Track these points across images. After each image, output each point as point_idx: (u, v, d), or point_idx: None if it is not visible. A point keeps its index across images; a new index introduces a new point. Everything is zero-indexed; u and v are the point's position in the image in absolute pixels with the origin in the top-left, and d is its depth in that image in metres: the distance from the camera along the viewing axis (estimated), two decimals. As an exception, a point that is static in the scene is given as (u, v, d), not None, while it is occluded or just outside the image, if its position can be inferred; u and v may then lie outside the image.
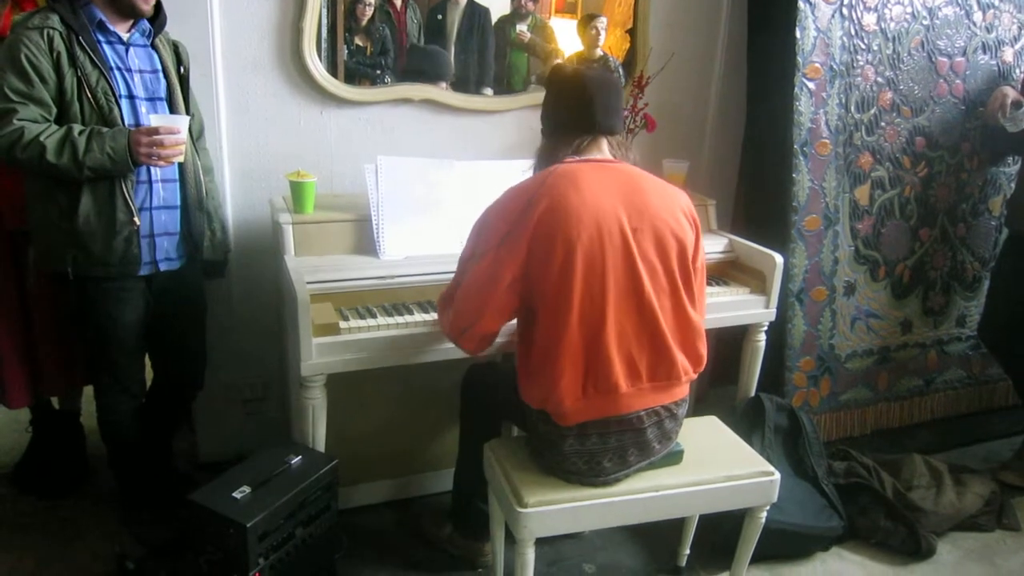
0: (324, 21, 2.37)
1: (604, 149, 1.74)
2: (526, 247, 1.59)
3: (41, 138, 1.75)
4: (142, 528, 2.21)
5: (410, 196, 2.21)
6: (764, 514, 1.92)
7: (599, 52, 2.74)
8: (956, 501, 2.48)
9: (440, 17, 2.58)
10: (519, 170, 2.31)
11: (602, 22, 2.65)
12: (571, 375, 1.62)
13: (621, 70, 2.75)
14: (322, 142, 2.46)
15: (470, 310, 1.66)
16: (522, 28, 2.66)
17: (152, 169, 1.92)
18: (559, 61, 2.64)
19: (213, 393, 2.43)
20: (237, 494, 1.73)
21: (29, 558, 2.15)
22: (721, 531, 2.20)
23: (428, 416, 2.41)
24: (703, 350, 1.75)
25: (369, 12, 2.46)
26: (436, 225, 2.23)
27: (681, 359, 1.70)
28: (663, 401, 1.70)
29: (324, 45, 2.38)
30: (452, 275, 2.08)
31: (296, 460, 1.87)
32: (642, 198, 1.66)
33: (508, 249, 1.60)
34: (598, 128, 1.72)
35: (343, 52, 2.45)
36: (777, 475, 1.86)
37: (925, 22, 2.68)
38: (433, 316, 2.00)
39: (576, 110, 1.72)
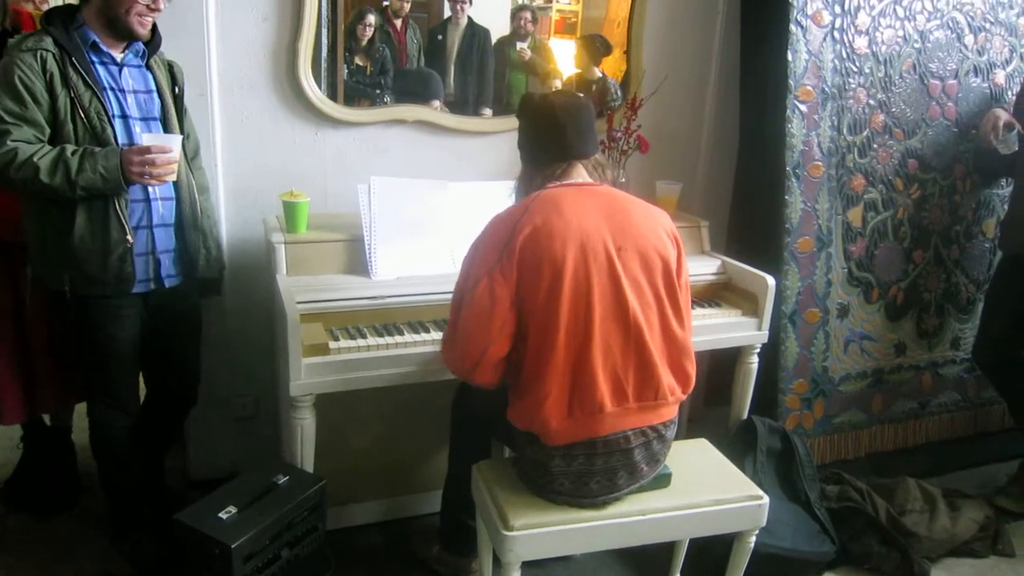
0: (324, 41, 2.38)
1: (582, 172, 1.77)
2: (516, 270, 1.60)
3: (34, 159, 1.76)
4: (132, 547, 2.20)
5: (403, 217, 2.22)
6: (753, 538, 1.91)
7: (597, 73, 2.76)
8: (950, 526, 2.47)
9: (440, 37, 2.61)
10: (511, 191, 2.32)
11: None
12: (556, 395, 1.62)
13: (620, 91, 2.78)
14: (317, 162, 2.48)
15: (477, 340, 1.64)
16: (522, 46, 2.68)
17: (150, 188, 1.93)
18: (528, 91, 2.65)
19: (205, 410, 2.43)
20: (223, 514, 1.73)
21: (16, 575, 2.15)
22: (712, 555, 2.18)
23: (418, 436, 2.40)
24: (691, 369, 1.76)
25: (369, 32, 2.48)
26: (428, 246, 2.24)
27: (668, 378, 1.70)
28: (650, 421, 1.70)
29: (324, 65, 2.39)
30: (444, 295, 2.11)
31: (284, 480, 1.87)
32: (625, 218, 1.68)
33: (501, 272, 1.61)
34: (571, 154, 1.75)
35: (343, 72, 2.47)
36: (766, 499, 1.85)
37: (916, 45, 2.70)
38: (422, 336, 2.01)
39: (547, 139, 1.75)
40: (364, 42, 2.49)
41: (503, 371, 1.70)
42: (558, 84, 2.74)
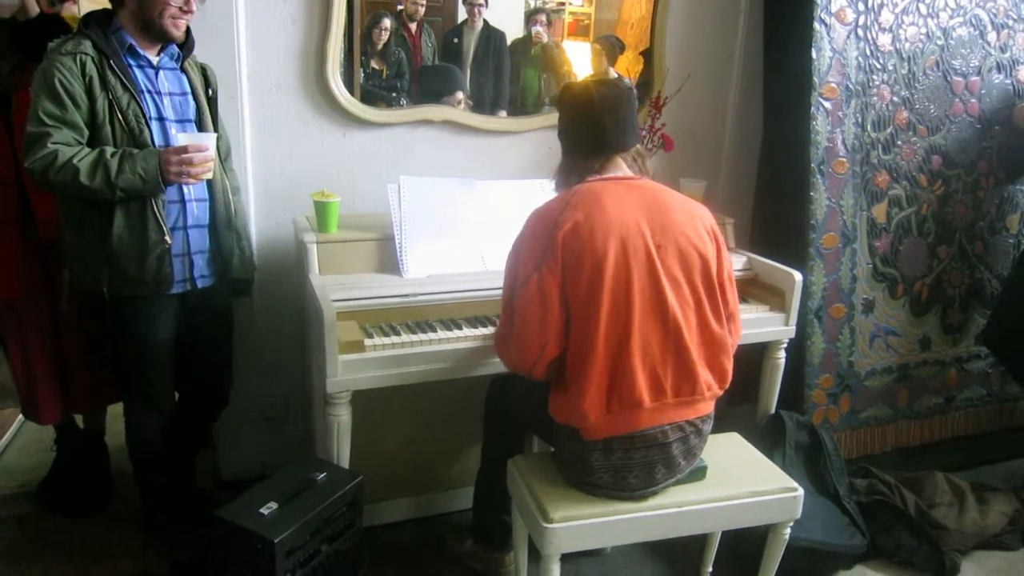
0: (341, 45, 2.41)
1: (621, 165, 1.77)
2: (560, 264, 1.61)
3: (74, 161, 1.78)
4: (166, 546, 2.22)
5: (432, 215, 2.24)
6: (788, 530, 1.92)
7: (613, 74, 2.78)
8: (979, 519, 2.47)
9: (456, 40, 2.63)
10: (539, 189, 2.34)
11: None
12: (596, 391, 1.64)
13: (635, 91, 2.79)
14: (345, 163, 2.50)
15: (536, 338, 1.65)
16: (538, 29, 2.68)
17: (185, 188, 1.96)
18: (569, 80, 2.66)
19: (235, 411, 2.45)
20: (264, 510, 1.74)
21: (54, 576, 2.17)
22: (744, 549, 2.20)
23: (451, 433, 2.42)
24: (728, 365, 1.76)
25: (385, 36, 2.51)
26: (458, 244, 2.26)
27: (705, 374, 1.71)
28: (687, 416, 1.71)
29: (341, 69, 2.41)
30: (475, 292, 2.13)
31: (321, 477, 1.88)
32: (665, 215, 1.68)
33: (548, 267, 1.62)
34: (611, 148, 1.75)
35: (359, 75, 2.50)
36: (800, 491, 1.86)
37: (940, 42, 2.70)
38: (455, 333, 2.02)
39: (587, 132, 1.74)
40: (380, 46, 2.52)
41: (556, 366, 1.70)
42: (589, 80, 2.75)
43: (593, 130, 1.73)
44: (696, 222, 1.72)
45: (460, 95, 2.61)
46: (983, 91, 2.80)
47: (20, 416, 2.97)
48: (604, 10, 2.81)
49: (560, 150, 1.85)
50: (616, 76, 2.79)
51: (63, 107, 1.81)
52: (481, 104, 2.67)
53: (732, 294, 1.78)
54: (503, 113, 2.70)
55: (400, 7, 2.53)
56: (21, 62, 2.04)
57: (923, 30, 2.67)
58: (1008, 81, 2.84)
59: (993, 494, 2.60)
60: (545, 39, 2.70)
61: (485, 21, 2.61)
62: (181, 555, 2.19)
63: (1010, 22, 2.80)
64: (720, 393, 1.77)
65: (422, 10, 2.55)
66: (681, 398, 1.69)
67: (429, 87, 2.60)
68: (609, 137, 1.73)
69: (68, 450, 2.48)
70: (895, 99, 2.66)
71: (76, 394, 2.31)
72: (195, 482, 2.42)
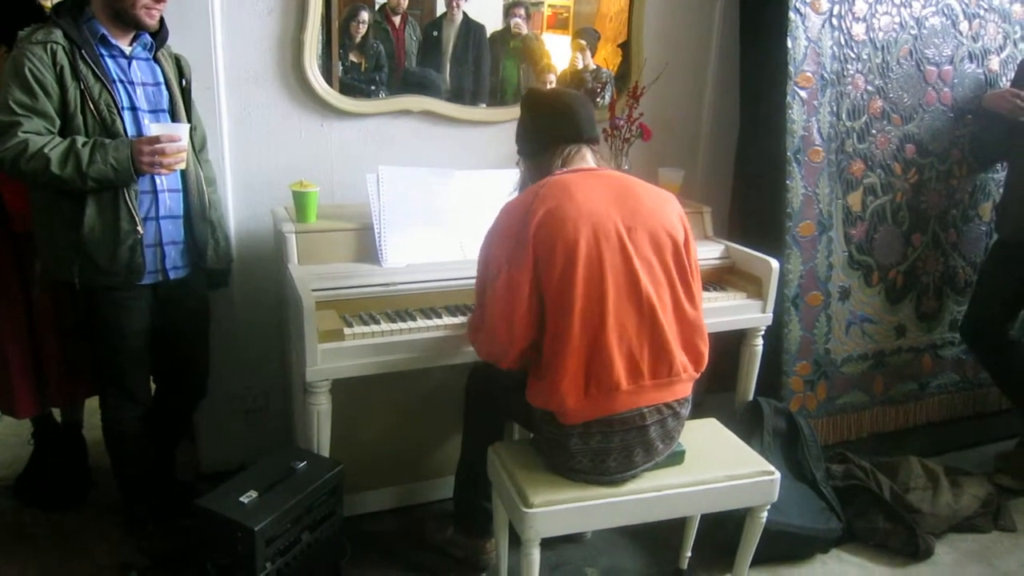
0: (319, 37, 2.40)
1: (588, 158, 1.80)
2: (531, 256, 1.63)
3: (45, 150, 1.77)
4: (146, 538, 2.21)
5: (411, 205, 2.24)
6: (765, 514, 1.94)
7: (592, 65, 2.79)
8: (953, 503, 2.51)
9: (436, 33, 2.63)
10: (515, 188, 2.34)
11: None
12: (573, 375, 1.65)
13: (613, 82, 2.81)
14: (323, 153, 2.49)
15: (503, 330, 1.68)
16: (517, 20, 2.69)
17: (157, 179, 1.95)
18: (532, 86, 2.69)
19: (214, 403, 2.44)
20: (244, 499, 1.74)
21: (32, 570, 2.15)
22: (722, 533, 2.22)
23: (431, 423, 2.42)
24: (704, 348, 1.79)
25: (363, 29, 2.50)
26: (437, 233, 2.26)
27: (680, 356, 1.73)
28: (665, 399, 1.73)
29: (319, 61, 2.41)
30: (454, 281, 2.14)
31: (302, 465, 1.88)
32: (635, 200, 1.71)
33: (518, 262, 1.64)
34: (584, 137, 1.79)
35: (338, 68, 2.49)
36: (777, 475, 1.88)
37: (913, 32, 2.73)
38: (435, 322, 2.03)
39: (561, 122, 1.79)
40: (358, 39, 2.51)
41: (528, 356, 1.73)
42: (552, 78, 2.76)
43: (568, 119, 1.78)
44: (665, 206, 1.76)
45: (437, 95, 2.61)
46: (955, 80, 2.84)
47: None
48: (583, 3, 2.82)
49: (520, 156, 1.89)
50: (595, 68, 2.80)
51: (34, 96, 1.79)
52: (461, 96, 2.67)
53: (697, 279, 1.81)
54: (483, 105, 2.70)
55: (382, 1, 2.52)
56: None
57: (896, 20, 2.70)
58: (980, 70, 2.88)
59: (966, 478, 2.64)
60: (524, 31, 2.71)
61: (464, 14, 2.61)
62: (160, 547, 2.18)
63: (981, 12, 2.84)
64: (696, 376, 1.79)
65: (405, 3, 2.54)
66: (658, 380, 1.71)
67: (407, 85, 2.60)
68: (583, 124, 1.78)
69: (45, 444, 2.46)
70: (869, 88, 2.69)
71: (52, 387, 2.28)
72: (175, 474, 2.41)
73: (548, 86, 2.70)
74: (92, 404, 2.31)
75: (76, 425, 2.50)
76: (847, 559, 2.37)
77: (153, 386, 2.22)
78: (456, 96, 2.66)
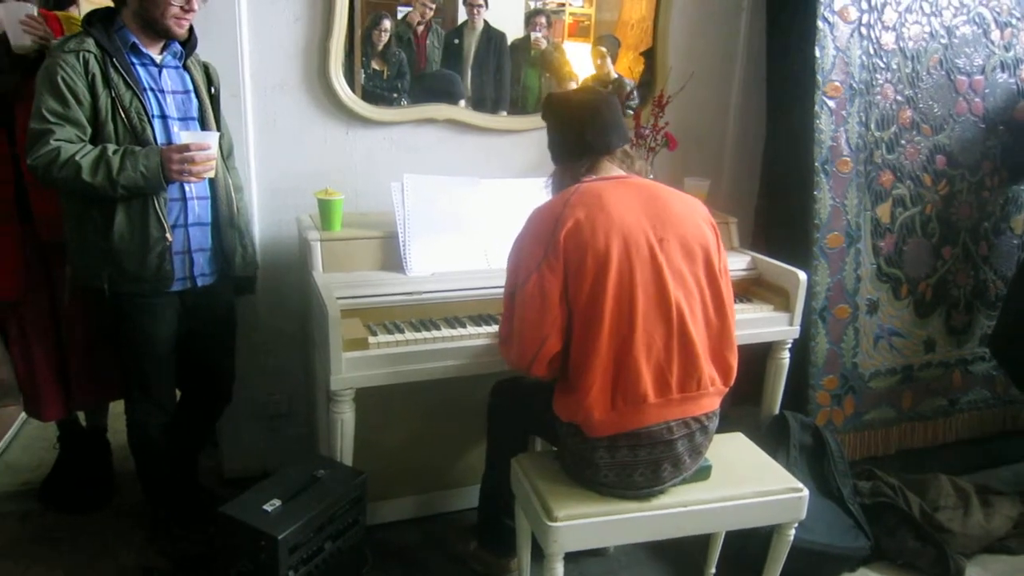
0: (344, 47, 2.41)
1: (609, 167, 1.78)
2: (562, 263, 1.61)
3: (77, 157, 1.78)
4: (169, 542, 2.22)
5: (436, 213, 2.24)
6: (793, 531, 1.91)
7: (614, 75, 2.77)
8: (984, 523, 2.45)
9: (457, 41, 2.63)
10: (542, 188, 2.33)
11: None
12: (600, 388, 1.63)
13: (636, 92, 2.79)
14: (347, 161, 2.50)
15: (534, 336, 1.66)
16: (537, 35, 2.69)
17: (187, 186, 1.96)
18: (551, 91, 2.68)
19: (238, 409, 2.45)
20: (268, 507, 1.73)
21: (57, 572, 2.17)
22: (748, 550, 2.18)
23: (455, 432, 2.41)
24: (733, 361, 1.76)
25: (385, 37, 2.51)
26: (462, 242, 2.26)
27: (709, 368, 1.71)
28: (692, 412, 1.70)
29: (342, 69, 2.41)
30: (478, 291, 2.13)
31: (325, 474, 1.88)
32: (664, 209, 1.69)
33: (549, 266, 1.62)
34: (593, 150, 1.77)
35: (360, 76, 2.50)
36: (806, 492, 1.85)
37: (943, 40, 2.70)
38: (459, 331, 2.02)
39: (569, 137, 1.78)
40: (380, 47, 2.51)
41: (558, 364, 1.70)
42: (573, 86, 2.75)
43: (574, 134, 1.76)
44: (695, 215, 1.74)
45: (461, 103, 2.61)
46: (987, 90, 2.80)
47: (22, 414, 2.97)
48: (604, 11, 2.81)
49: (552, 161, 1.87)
50: (617, 77, 2.79)
51: (66, 104, 1.81)
52: (482, 104, 2.67)
53: (728, 289, 1.78)
54: (504, 113, 2.70)
55: (406, 9, 2.52)
56: (24, 74, 2.03)
57: (927, 28, 2.66)
58: (1012, 80, 2.83)
59: (998, 497, 2.59)
60: (544, 46, 2.70)
61: (485, 22, 2.61)
62: (184, 551, 2.19)
63: (1014, 20, 2.80)
64: (725, 390, 1.77)
65: (430, 12, 2.55)
66: (687, 393, 1.69)
67: (431, 88, 2.60)
68: (590, 139, 1.75)
69: (70, 447, 2.48)
70: (899, 98, 2.66)
71: (78, 391, 2.31)
72: (199, 479, 2.42)
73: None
74: (116, 408, 2.32)
75: (101, 429, 2.52)
76: (875, 578, 2.33)
77: (178, 392, 2.23)
78: (478, 104, 2.66)
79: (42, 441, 2.76)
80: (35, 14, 2.04)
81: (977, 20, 2.75)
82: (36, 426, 2.81)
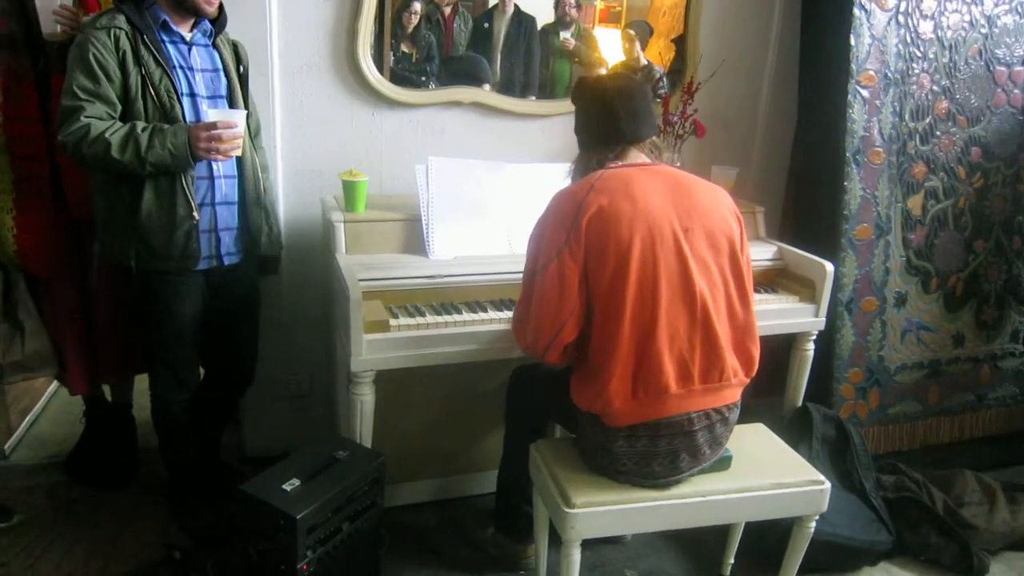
0: (372, 28, 2.40)
1: (637, 156, 1.75)
2: (583, 249, 1.60)
3: (106, 135, 1.80)
4: (190, 519, 2.25)
5: (460, 197, 2.23)
6: (813, 524, 1.89)
7: (643, 61, 2.74)
8: (1010, 519, 2.42)
9: (487, 25, 2.61)
10: (567, 173, 2.32)
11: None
12: (621, 377, 1.62)
13: (666, 79, 2.75)
14: (373, 143, 2.50)
15: (551, 320, 1.64)
16: (566, 35, 2.67)
17: (214, 165, 1.97)
18: (582, 75, 2.65)
19: (260, 388, 2.46)
20: (287, 486, 1.74)
21: (80, 546, 2.20)
22: (767, 541, 2.17)
23: (473, 417, 2.41)
24: (755, 352, 1.74)
25: (415, 20, 2.49)
26: (485, 226, 2.25)
27: (732, 360, 1.69)
28: (714, 404, 1.69)
29: (372, 51, 2.41)
30: (500, 275, 2.12)
31: (344, 455, 1.89)
32: (690, 198, 1.67)
33: (570, 252, 1.60)
34: (624, 138, 1.74)
35: (389, 58, 2.48)
36: (827, 484, 1.83)
37: (983, 30, 2.63)
38: (480, 316, 2.01)
39: (601, 123, 1.74)
40: (410, 29, 2.50)
41: (573, 351, 1.69)
42: (603, 72, 2.72)
43: (607, 120, 1.73)
44: (721, 206, 1.72)
45: (487, 87, 2.60)
46: (1027, 82, 2.73)
47: (52, 387, 3.02)
48: (636, -3, 2.77)
49: (579, 145, 1.84)
50: (646, 63, 2.75)
51: (96, 81, 1.82)
52: (510, 88, 2.65)
53: (750, 280, 1.75)
54: (532, 97, 2.68)
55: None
56: (60, 48, 2.05)
57: (966, 18, 2.60)
58: (1054, 72, 2.76)
59: (1024, 495, 2.55)
60: (572, 46, 2.67)
61: (516, 6, 2.58)
62: (204, 528, 2.22)
63: (1057, 11, 2.72)
64: (747, 381, 1.75)
65: (460, -6, 2.53)
66: (708, 384, 1.67)
67: (458, 71, 2.59)
68: (623, 126, 1.72)
69: (96, 422, 2.51)
70: (935, 88, 2.60)
71: (104, 366, 2.34)
72: (220, 457, 2.44)
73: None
74: (141, 385, 2.35)
75: (126, 405, 2.54)
76: (896, 573, 2.30)
77: (202, 370, 2.25)
78: (506, 88, 2.64)
79: (69, 415, 2.80)
80: (69, 3, 2.06)
81: (1020, 9, 2.67)
82: (64, 400, 2.85)
